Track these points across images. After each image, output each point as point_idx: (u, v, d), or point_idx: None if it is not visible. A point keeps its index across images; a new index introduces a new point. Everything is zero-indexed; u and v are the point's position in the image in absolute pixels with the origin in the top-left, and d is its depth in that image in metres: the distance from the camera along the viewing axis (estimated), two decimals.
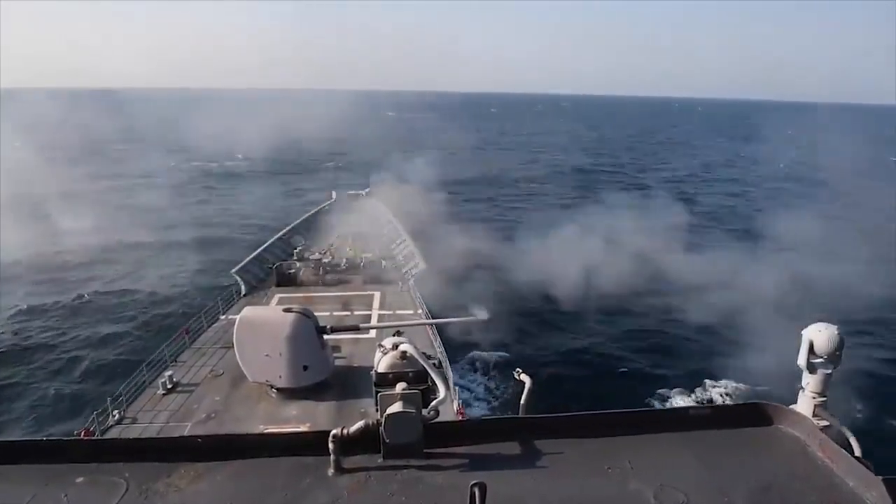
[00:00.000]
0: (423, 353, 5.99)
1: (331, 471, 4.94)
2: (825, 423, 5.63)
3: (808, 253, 38.74)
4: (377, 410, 5.18)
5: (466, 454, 5.15)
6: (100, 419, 17.01)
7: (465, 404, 18.19)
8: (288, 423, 16.90)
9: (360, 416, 5.32)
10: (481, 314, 18.87)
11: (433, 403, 5.45)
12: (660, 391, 27.52)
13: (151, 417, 17.50)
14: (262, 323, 18.64)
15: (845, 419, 5.72)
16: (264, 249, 33.64)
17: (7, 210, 50.74)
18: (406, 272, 31.21)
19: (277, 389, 18.44)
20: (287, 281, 30.19)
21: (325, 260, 32.31)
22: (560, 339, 33.49)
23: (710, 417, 5.61)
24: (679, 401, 26.55)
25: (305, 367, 18.37)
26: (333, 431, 5.02)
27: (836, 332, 5.73)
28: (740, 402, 5.99)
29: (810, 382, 5.87)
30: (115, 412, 17.42)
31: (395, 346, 6.07)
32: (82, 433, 16.14)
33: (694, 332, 32.75)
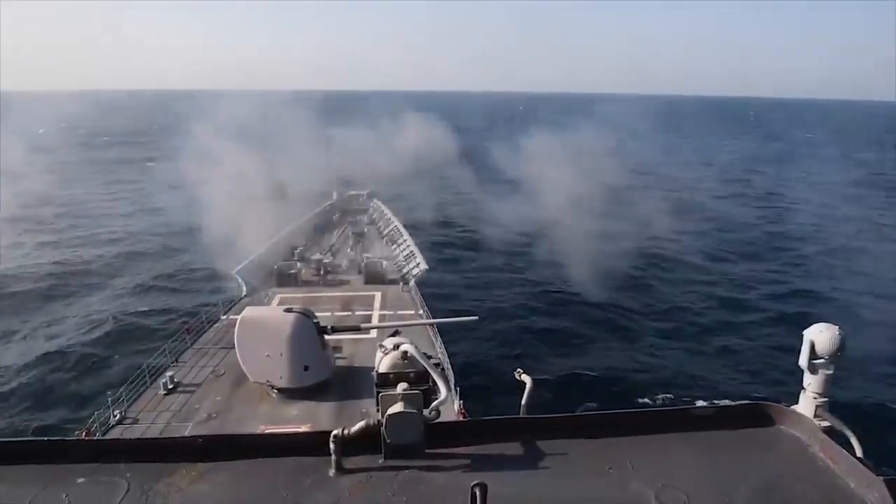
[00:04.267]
0: (425, 354, 5.98)
1: (332, 471, 4.94)
2: (826, 423, 5.62)
3: None
4: (378, 411, 5.18)
5: (467, 454, 5.15)
6: (101, 419, 17.03)
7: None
8: (289, 424, 16.90)
9: (361, 417, 5.32)
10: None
11: (434, 404, 5.45)
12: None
13: (153, 418, 17.51)
14: (264, 323, 18.65)
15: (846, 420, 5.71)
16: (266, 250, 33.65)
17: None
18: (407, 273, 31.22)
19: (278, 390, 18.44)
20: (288, 281, 30.22)
21: (326, 260, 32.34)
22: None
23: (712, 418, 5.60)
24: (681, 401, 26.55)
25: (306, 368, 18.37)
26: (334, 432, 5.02)
27: (838, 333, 5.73)
28: (742, 402, 5.98)
29: (811, 383, 5.86)
30: (117, 412, 17.43)
31: (397, 347, 6.06)
32: (83, 434, 16.16)
33: None
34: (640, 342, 33.09)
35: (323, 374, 18.88)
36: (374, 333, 22.50)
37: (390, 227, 39.98)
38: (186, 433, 15.75)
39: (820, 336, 5.76)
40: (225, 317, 25.26)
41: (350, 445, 5.07)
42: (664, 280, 43.35)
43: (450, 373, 18.74)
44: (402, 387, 5.33)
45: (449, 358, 21.50)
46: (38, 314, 35.86)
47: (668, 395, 27.15)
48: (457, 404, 17.54)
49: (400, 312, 26.24)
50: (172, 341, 22.27)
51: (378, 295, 28.73)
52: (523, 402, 6.87)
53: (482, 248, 49.37)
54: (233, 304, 27.01)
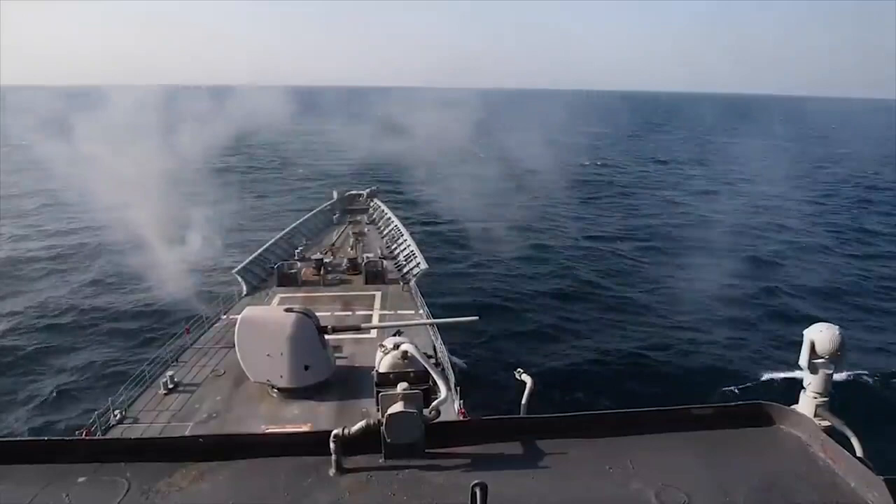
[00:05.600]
0: (425, 354, 5.98)
1: (332, 471, 4.94)
2: (827, 423, 5.62)
3: None
4: (378, 410, 5.19)
5: (468, 454, 5.15)
6: (101, 419, 17.03)
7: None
8: (289, 423, 16.90)
9: (361, 416, 5.32)
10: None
11: (434, 403, 5.45)
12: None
13: (153, 417, 17.51)
14: (264, 323, 18.65)
15: (846, 419, 5.71)
16: (266, 249, 33.60)
17: None
18: (407, 272, 31.19)
19: (279, 389, 18.44)
20: (288, 281, 30.16)
21: (327, 260, 32.29)
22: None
23: (712, 417, 5.60)
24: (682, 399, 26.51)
25: (307, 367, 18.38)
26: (335, 431, 5.03)
27: (837, 333, 5.72)
28: (742, 401, 5.98)
29: (812, 383, 5.86)
30: (117, 412, 17.43)
31: (397, 346, 6.07)
32: (84, 433, 16.16)
33: None
34: (639, 341, 33.10)
35: (323, 373, 18.88)
36: (374, 333, 22.49)
37: (390, 227, 39.91)
38: (186, 433, 15.75)
39: (820, 336, 5.75)
40: (225, 316, 25.25)
41: (350, 445, 5.07)
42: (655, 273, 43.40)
43: (450, 373, 18.74)
44: (402, 386, 5.33)
45: (449, 358, 21.49)
46: None
47: (669, 395, 27.13)
48: (457, 404, 17.54)
49: (400, 312, 26.22)
50: (172, 341, 22.26)
51: (378, 294, 28.70)
52: (523, 401, 6.89)
53: None
54: (233, 304, 27.02)
